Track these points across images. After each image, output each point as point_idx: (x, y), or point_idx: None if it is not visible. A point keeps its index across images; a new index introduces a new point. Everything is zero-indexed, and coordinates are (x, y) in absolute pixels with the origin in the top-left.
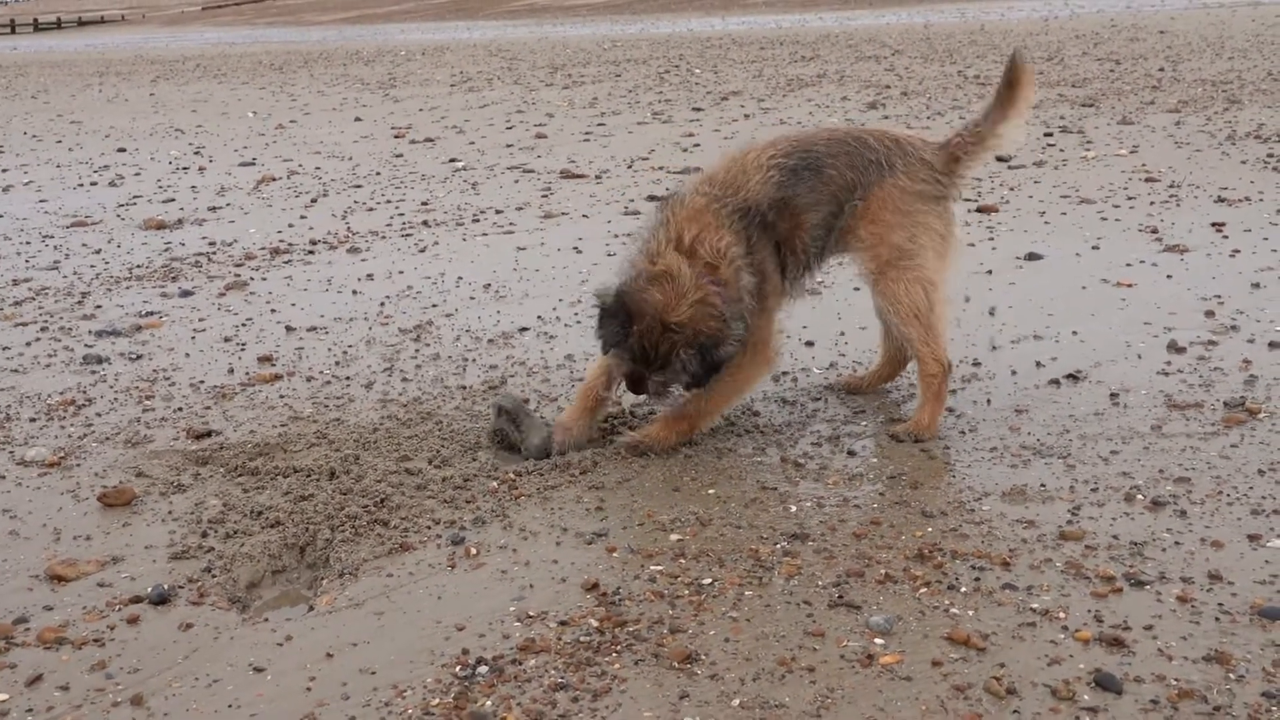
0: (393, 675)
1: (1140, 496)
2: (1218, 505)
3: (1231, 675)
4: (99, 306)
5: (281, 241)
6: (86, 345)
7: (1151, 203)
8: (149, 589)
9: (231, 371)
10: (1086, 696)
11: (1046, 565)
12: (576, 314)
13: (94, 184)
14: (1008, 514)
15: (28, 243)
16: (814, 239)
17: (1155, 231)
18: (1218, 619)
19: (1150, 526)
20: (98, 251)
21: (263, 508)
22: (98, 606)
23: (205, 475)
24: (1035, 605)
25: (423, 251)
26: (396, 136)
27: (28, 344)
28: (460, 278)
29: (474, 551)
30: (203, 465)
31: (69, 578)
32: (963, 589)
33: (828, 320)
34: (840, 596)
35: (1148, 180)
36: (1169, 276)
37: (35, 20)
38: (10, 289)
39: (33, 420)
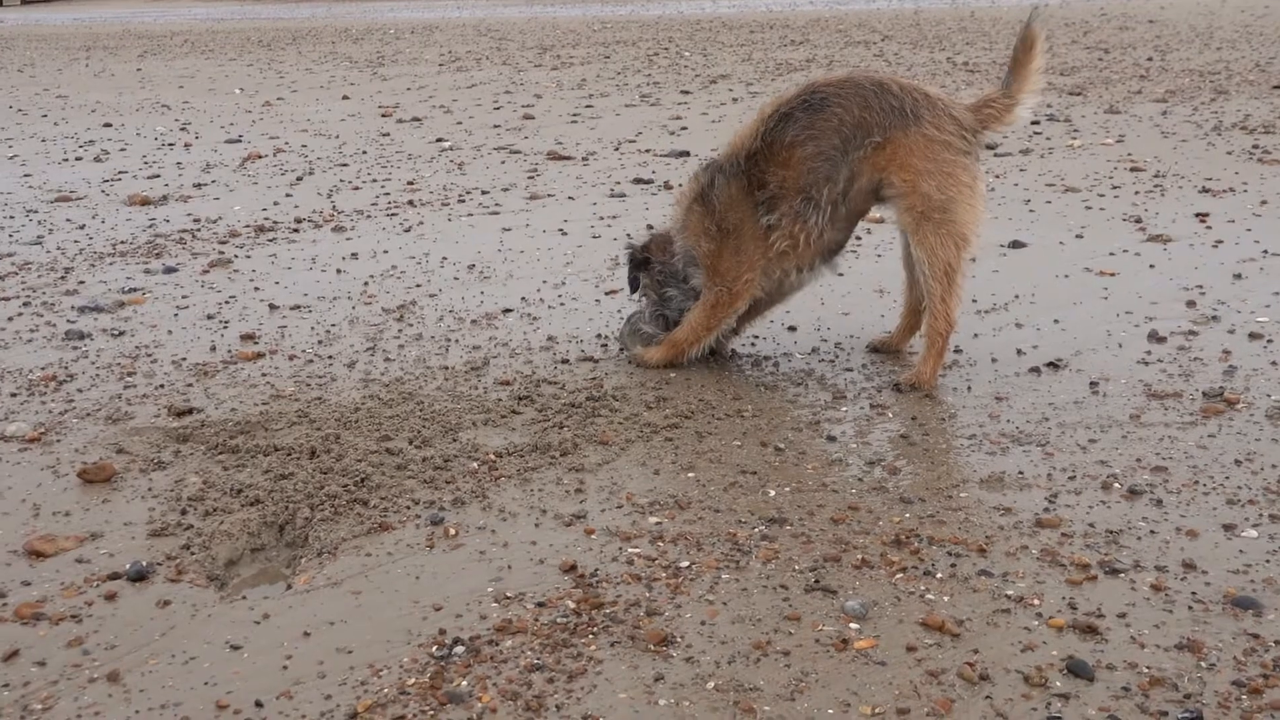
0: (369, 654)
1: (1117, 485)
2: (1194, 495)
3: (1203, 664)
4: (82, 282)
5: (266, 219)
6: (69, 321)
7: (1136, 192)
8: (127, 565)
9: (214, 349)
10: (1059, 683)
11: (1022, 552)
12: (560, 296)
13: (79, 159)
14: (985, 501)
15: (11, 217)
16: (815, 174)
17: (1139, 221)
18: (1191, 608)
19: (1126, 515)
20: (82, 227)
21: (242, 485)
22: (76, 583)
23: (186, 452)
24: (1010, 592)
25: (408, 231)
26: (384, 115)
27: (10, 319)
28: (445, 258)
29: (453, 532)
30: (183, 442)
31: (47, 553)
32: (939, 575)
33: (810, 305)
34: (817, 581)
35: (1133, 170)
36: (1151, 266)
37: None
38: None
39: (13, 395)
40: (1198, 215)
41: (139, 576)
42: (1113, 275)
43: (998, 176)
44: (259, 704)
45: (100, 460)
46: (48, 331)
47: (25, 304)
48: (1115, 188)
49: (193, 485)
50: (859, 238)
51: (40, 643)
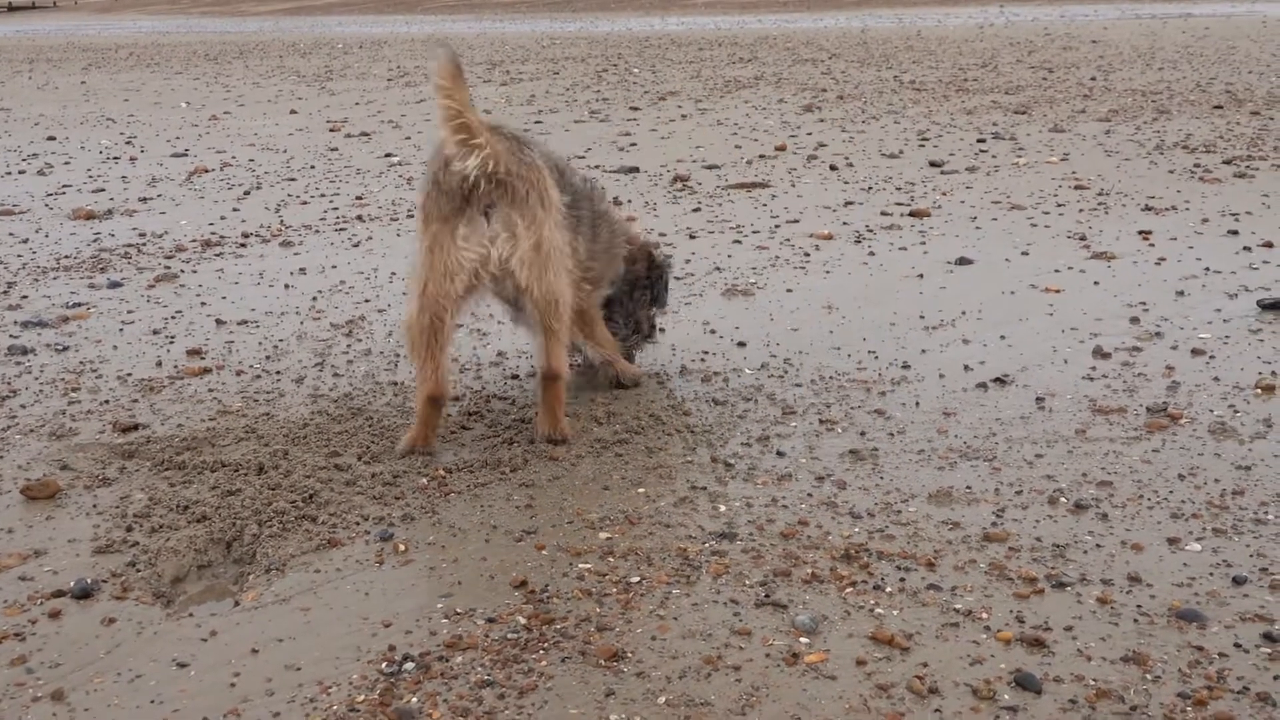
0: (318, 671)
1: (1063, 500)
2: (1139, 509)
3: (1149, 676)
4: (25, 297)
5: (213, 234)
6: (11, 336)
7: (1080, 210)
8: (72, 583)
9: (160, 364)
10: (1007, 696)
11: (970, 566)
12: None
13: (22, 172)
14: (934, 515)
15: None
16: None
17: (1084, 238)
18: (1136, 620)
19: (1073, 529)
20: (25, 241)
21: (189, 502)
22: (19, 600)
23: (131, 469)
24: (959, 606)
25: (356, 246)
26: (332, 130)
27: None
28: (393, 273)
29: (402, 548)
30: (129, 459)
31: None
32: (888, 589)
33: (759, 321)
34: (767, 596)
35: (1077, 188)
36: (1096, 283)
37: None
38: None
39: None
40: (1141, 233)
41: (84, 594)
42: (1058, 292)
43: (944, 194)
44: None
45: (44, 477)
46: None
47: None
48: (1060, 205)
49: (139, 502)
50: (807, 254)
51: None
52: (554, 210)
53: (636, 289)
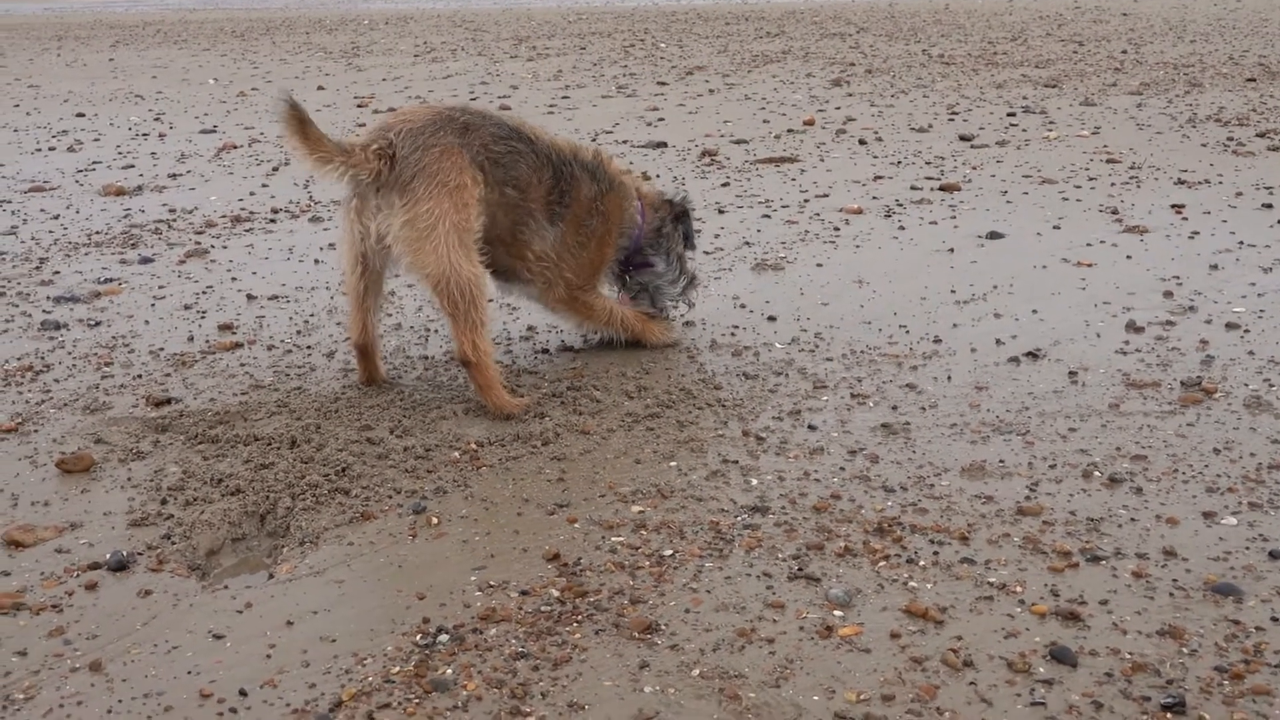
0: (353, 643)
1: (1097, 473)
2: (1173, 483)
3: (1185, 649)
4: (57, 272)
5: (243, 209)
6: (45, 311)
7: (1112, 184)
8: (108, 555)
9: (191, 339)
10: (1042, 669)
11: (1004, 540)
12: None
13: (52, 149)
14: (967, 489)
15: None
16: None
17: (1115, 212)
18: (1172, 594)
19: (1107, 503)
20: (56, 217)
21: (223, 475)
22: (56, 573)
23: (165, 442)
24: (993, 579)
25: None
26: (359, 106)
27: None
28: None
29: (435, 521)
30: (162, 432)
31: (26, 544)
32: (921, 563)
33: (790, 296)
34: (800, 569)
35: (1109, 161)
36: (1128, 257)
37: None
38: None
39: None
40: (1174, 206)
41: (120, 566)
42: (1090, 266)
43: (974, 168)
44: (243, 693)
45: (79, 450)
46: (23, 322)
47: (0, 294)
48: (1091, 179)
49: (172, 475)
50: (837, 229)
51: (21, 633)
52: (446, 189)
53: (662, 234)
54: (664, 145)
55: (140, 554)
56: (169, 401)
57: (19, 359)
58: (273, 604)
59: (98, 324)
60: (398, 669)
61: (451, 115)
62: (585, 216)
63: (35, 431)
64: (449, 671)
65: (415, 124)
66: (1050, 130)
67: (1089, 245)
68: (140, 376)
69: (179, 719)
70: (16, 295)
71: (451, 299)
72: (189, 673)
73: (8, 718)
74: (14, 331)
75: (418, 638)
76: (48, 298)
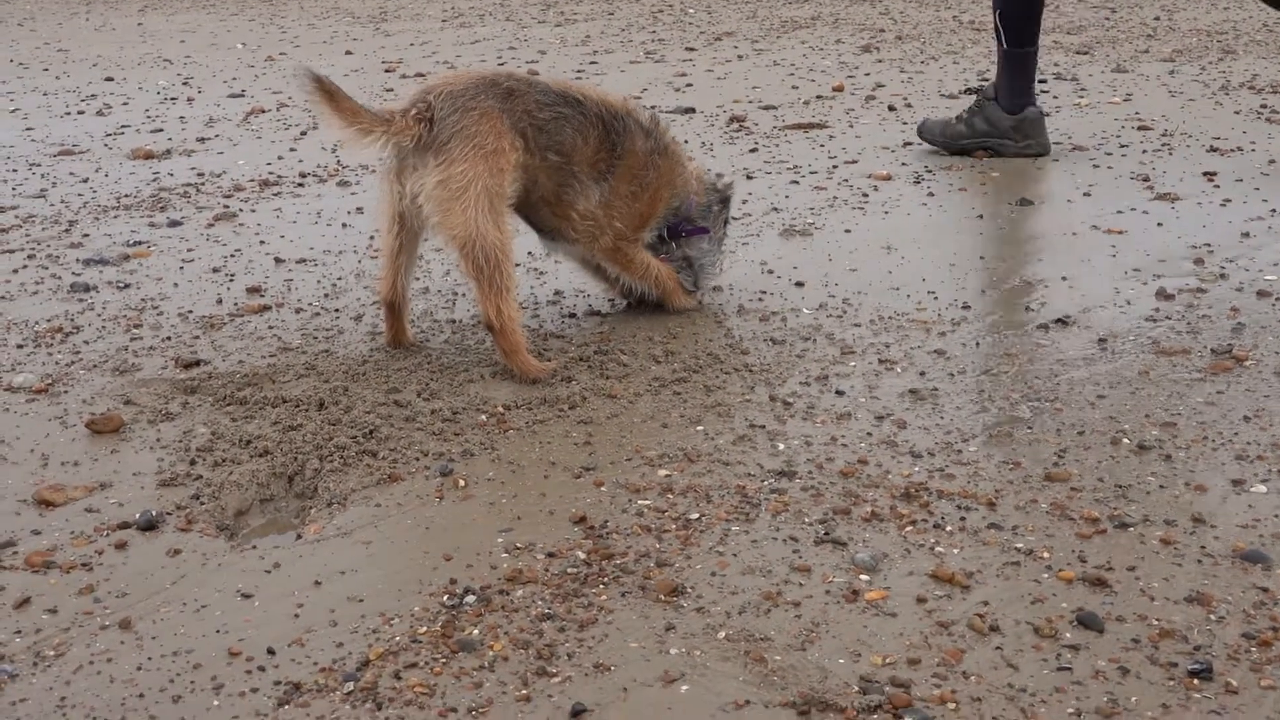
0: (380, 604)
1: (1126, 440)
2: (1203, 450)
3: (1213, 616)
4: (86, 235)
5: (271, 173)
6: (74, 273)
7: (1144, 151)
8: (137, 515)
9: (220, 302)
10: (1069, 634)
11: (1032, 506)
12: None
13: (81, 113)
14: (994, 455)
15: (14, 170)
16: None
17: (1147, 179)
18: (1200, 561)
19: (1135, 470)
20: (85, 180)
21: (251, 437)
22: (85, 532)
23: (194, 404)
24: (1020, 545)
25: None
26: (387, 71)
27: (15, 271)
28: None
29: (462, 483)
30: (191, 394)
31: (57, 503)
32: (948, 528)
33: (818, 261)
34: (826, 533)
35: (1140, 129)
36: (1159, 224)
37: None
38: None
39: (20, 347)
40: (1205, 174)
41: (149, 526)
42: (1121, 233)
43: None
44: (271, 651)
45: (108, 411)
46: (53, 284)
47: (30, 256)
48: (1123, 146)
49: (201, 436)
50: (865, 195)
51: (51, 590)
52: (482, 153)
53: (711, 210)
54: (692, 111)
55: (169, 514)
56: (198, 363)
57: (49, 320)
58: (301, 564)
59: (127, 286)
60: (424, 629)
61: (495, 80)
62: (639, 169)
63: (65, 392)
64: (475, 632)
65: (456, 87)
66: (1081, 97)
67: (1119, 212)
68: (169, 339)
69: (208, 676)
70: (46, 258)
71: (476, 263)
72: (218, 631)
73: (39, 674)
74: (44, 293)
75: (444, 598)
76: (77, 260)
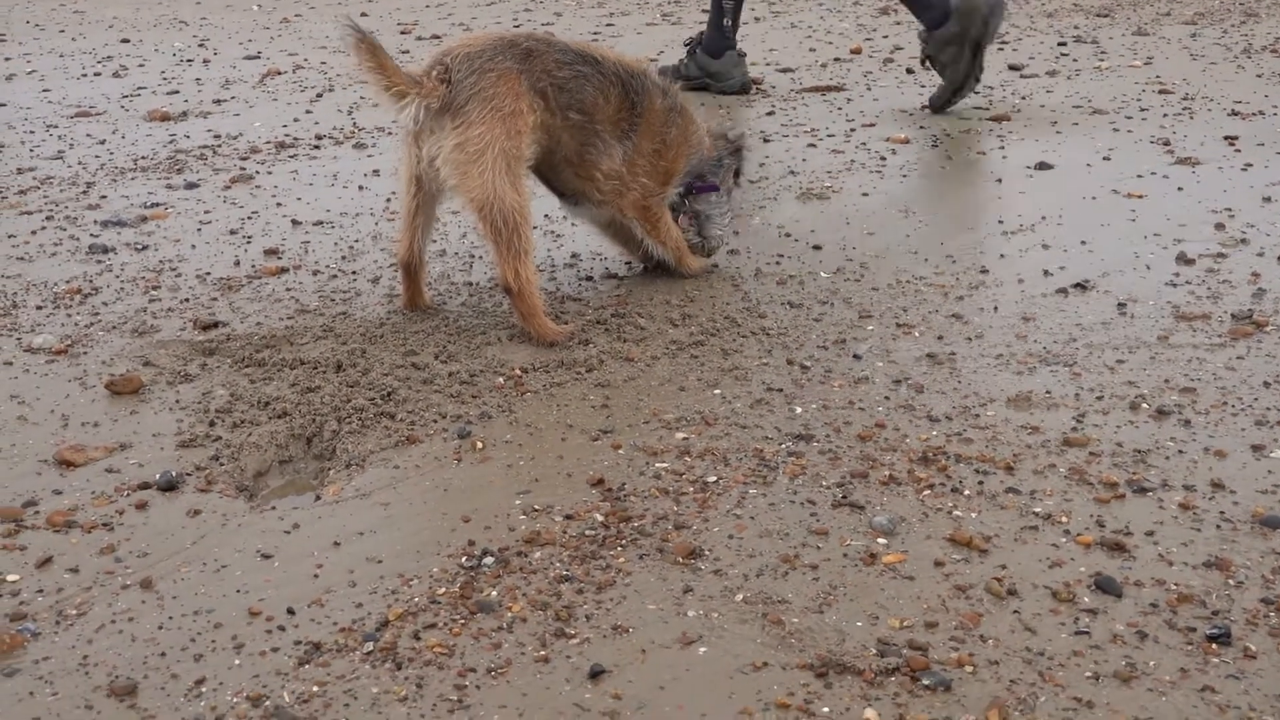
0: (399, 565)
1: (1145, 405)
2: (1222, 415)
3: (1231, 581)
4: (104, 197)
5: (287, 136)
6: (92, 235)
7: (1164, 115)
8: (157, 476)
9: (238, 264)
10: (1086, 599)
11: (1050, 470)
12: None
13: (98, 74)
14: (1012, 420)
15: (31, 132)
16: None
17: (1167, 144)
18: (1219, 526)
19: (1154, 435)
20: (102, 142)
21: (270, 398)
22: (106, 492)
23: (212, 365)
24: (1038, 509)
25: None
26: (403, 33)
27: (33, 232)
28: None
29: (480, 446)
30: (210, 356)
31: (77, 463)
32: (966, 492)
33: (835, 225)
34: (844, 497)
35: (1161, 92)
36: (1180, 189)
37: None
38: (15, 177)
39: (39, 308)
40: (1227, 138)
41: (169, 486)
42: (1141, 197)
43: (1024, 98)
44: (291, 611)
45: (127, 372)
46: (71, 245)
47: (48, 218)
48: (1143, 110)
49: (220, 397)
50: (883, 158)
51: (72, 550)
52: (500, 115)
53: (722, 164)
54: None
55: (189, 474)
56: (216, 325)
57: (67, 282)
58: (320, 525)
59: (145, 248)
60: (443, 590)
61: (513, 41)
62: (661, 126)
63: (84, 354)
64: (494, 593)
65: (474, 49)
66: (1102, 60)
67: (1139, 177)
68: (187, 300)
69: (228, 635)
70: (64, 219)
71: (494, 225)
72: (238, 591)
73: (61, 633)
74: (62, 255)
75: (463, 560)
76: (95, 221)
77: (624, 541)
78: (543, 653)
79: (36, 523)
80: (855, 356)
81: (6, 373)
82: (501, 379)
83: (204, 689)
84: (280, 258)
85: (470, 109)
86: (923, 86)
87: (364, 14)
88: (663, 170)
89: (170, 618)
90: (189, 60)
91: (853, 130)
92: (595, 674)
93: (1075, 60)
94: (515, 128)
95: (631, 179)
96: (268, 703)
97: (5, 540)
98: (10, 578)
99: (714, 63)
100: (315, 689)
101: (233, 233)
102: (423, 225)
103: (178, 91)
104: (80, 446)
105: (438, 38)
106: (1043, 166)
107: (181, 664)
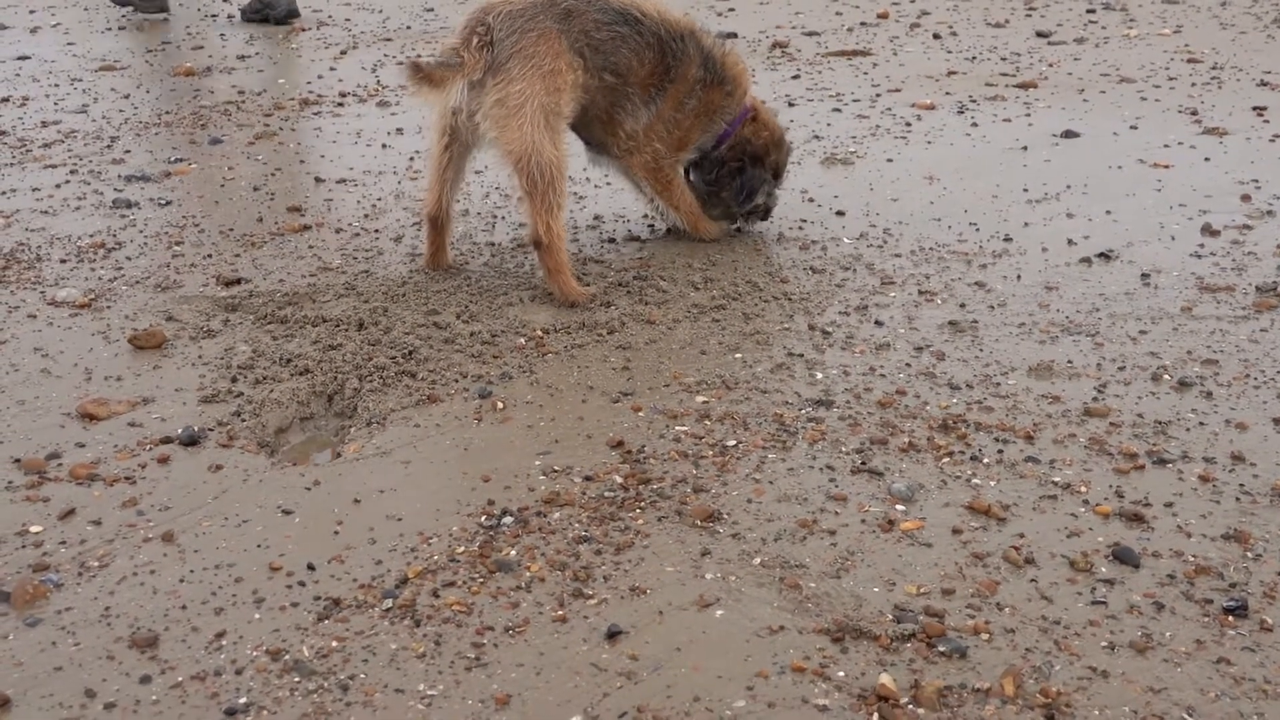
0: (419, 523)
1: (1167, 376)
2: (1244, 388)
3: (1249, 554)
4: (128, 151)
5: (310, 92)
6: (116, 189)
7: (1193, 84)
8: (179, 430)
9: (261, 220)
10: (1104, 569)
11: (1070, 440)
12: (606, 175)
13: (122, 28)
14: (1033, 389)
15: (56, 85)
16: None
17: (1195, 113)
18: (1238, 499)
19: (1175, 406)
20: (126, 96)
21: (292, 355)
22: (129, 445)
23: (235, 321)
24: (1057, 479)
25: None
26: None
27: (57, 186)
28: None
29: (500, 406)
30: (232, 311)
31: (100, 416)
32: (985, 460)
33: (859, 191)
34: (863, 463)
35: (1190, 61)
36: (1206, 159)
37: None
38: (40, 130)
39: (63, 261)
40: (1255, 109)
41: (191, 441)
42: (1167, 167)
43: (1051, 65)
44: (311, 567)
45: (150, 327)
46: (95, 200)
47: (72, 172)
48: (1171, 79)
49: (242, 354)
50: (908, 124)
51: (95, 503)
52: (540, 72)
53: (753, 152)
54: (734, 36)
55: (211, 430)
56: (238, 281)
57: (91, 236)
58: (340, 482)
59: (168, 203)
60: (462, 549)
61: (554, 0)
62: (685, 95)
63: (108, 308)
64: (513, 553)
65: (515, 7)
66: (1130, 28)
67: (1166, 146)
68: (210, 256)
69: (249, 590)
70: (88, 173)
71: (531, 178)
72: (258, 546)
73: (83, 584)
74: (86, 209)
75: (482, 519)
76: (119, 176)
77: (643, 504)
78: (560, 613)
79: (59, 475)
80: (877, 323)
81: (30, 325)
82: (523, 339)
83: (224, 642)
84: (303, 215)
85: (511, 66)
86: (949, 52)
87: None
88: (677, 137)
89: (191, 571)
90: (213, 15)
91: (878, 95)
92: (612, 634)
93: (1104, 27)
94: (554, 85)
95: (645, 142)
96: (287, 657)
97: (29, 491)
98: (34, 529)
99: None
100: (334, 644)
101: (256, 189)
102: (452, 179)
103: (202, 47)
104: (103, 400)
105: None
106: (1069, 134)
107: (202, 617)
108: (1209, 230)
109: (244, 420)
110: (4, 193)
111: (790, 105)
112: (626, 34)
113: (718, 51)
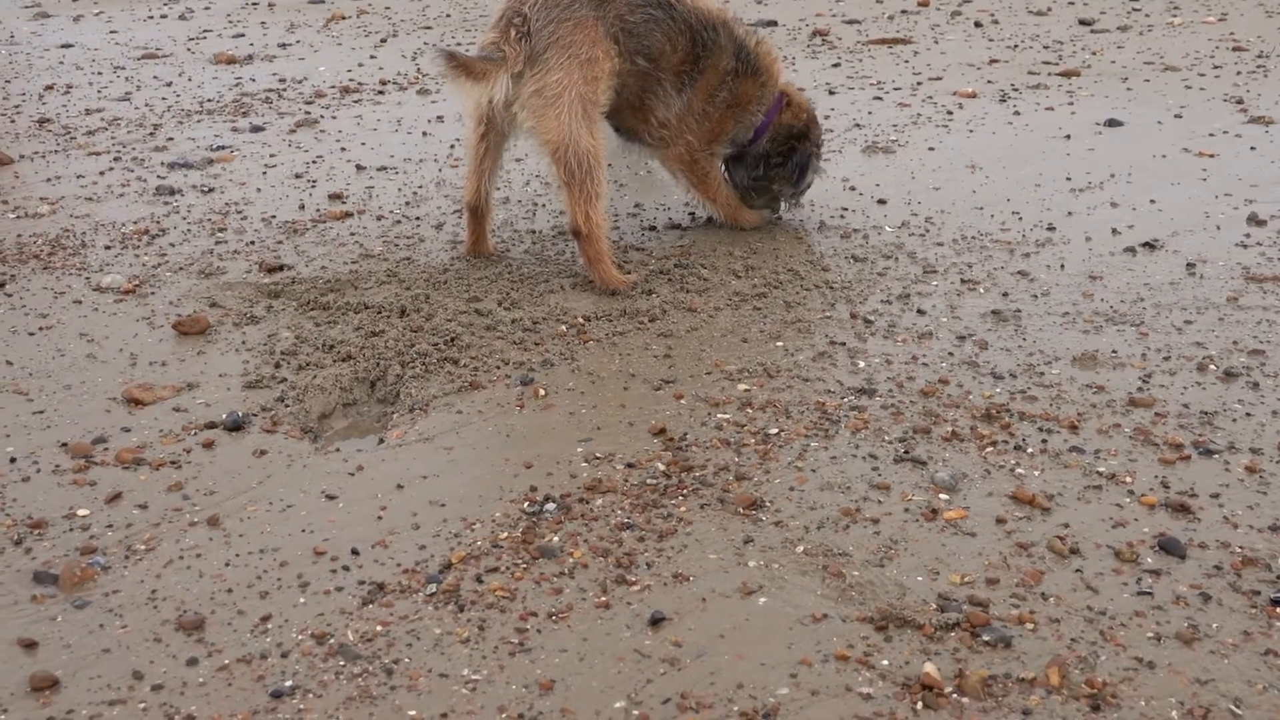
0: (462, 508)
1: (1213, 367)
2: None
3: None
4: (171, 139)
5: (351, 80)
6: (159, 176)
7: (1238, 73)
8: (224, 415)
9: (302, 208)
10: (1149, 559)
11: (1115, 430)
12: (647, 163)
13: (164, 16)
14: (1078, 379)
15: (99, 73)
16: None
17: (1240, 102)
18: None
19: (1221, 397)
20: (169, 84)
21: (334, 342)
22: (174, 430)
23: (278, 308)
24: (1102, 469)
25: None
26: None
27: (101, 173)
28: None
29: (543, 393)
30: (275, 298)
31: (145, 401)
32: (1029, 450)
33: (901, 179)
34: (906, 452)
35: (1235, 49)
36: (1252, 148)
37: None
38: (84, 118)
39: (108, 248)
40: None
41: (235, 426)
42: (1212, 156)
43: (1094, 54)
44: (355, 552)
45: (194, 313)
46: (139, 186)
47: (116, 159)
48: (1216, 68)
49: (285, 340)
50: (950, 112)
51: (141, 487)
52: (577, 62)
53: (779, 140)
54: (774, 24)
55: (255, 415)
56: (281, 268)
57: (135, 223)
58: (383, 468)
59: (211, 190)
60: (505, 535)
61: None
62: (716, 87)
63: (152, 294)
64: (555, 539)
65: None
66: (1175, 16)
67: (1211, 135)
68: (253, 243)
69: (293, 574)
70: (132, 160)
71: (569, 168)
72: (303, 530)
73: (130, 567)
74: (130, 196)
75: (525, 505)
76: (162, 163)
77: (685, 491)
78: (603, 599)
79: (106, 459)
80: (919, 312)
81: (76, 311)
82: (564, 327)
83: (270, 625)
84: (344, 202)
85: (549, 56)
86: (990, 40)
87: None
88: (708, 131)
89: (236, 555)
90: (254, 4)
91: (919, 83)
92: (655, 621)
93: (1148, 15)
94: (592, 74)
95: (678, 134)
96: (332, 641)
97: (76, 475)
98: (81, 512)
99: None
100: (379, 629)
101: (297, 176)
102: (490, 169)
103: (243, 35)
104: (148, 385)
105: None
106: (1113, 123)
107: (248, 600)
108: (1255, 220)
109: (287, 406)
110: (49, 180)
111: (831, 93)
112: (660, 18)
113: (750, 42)
